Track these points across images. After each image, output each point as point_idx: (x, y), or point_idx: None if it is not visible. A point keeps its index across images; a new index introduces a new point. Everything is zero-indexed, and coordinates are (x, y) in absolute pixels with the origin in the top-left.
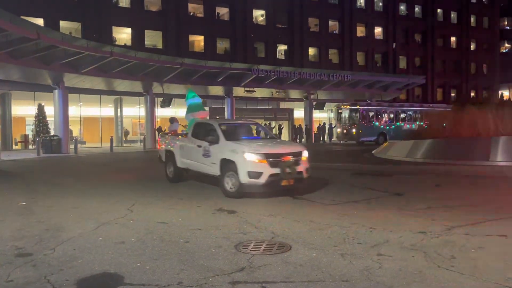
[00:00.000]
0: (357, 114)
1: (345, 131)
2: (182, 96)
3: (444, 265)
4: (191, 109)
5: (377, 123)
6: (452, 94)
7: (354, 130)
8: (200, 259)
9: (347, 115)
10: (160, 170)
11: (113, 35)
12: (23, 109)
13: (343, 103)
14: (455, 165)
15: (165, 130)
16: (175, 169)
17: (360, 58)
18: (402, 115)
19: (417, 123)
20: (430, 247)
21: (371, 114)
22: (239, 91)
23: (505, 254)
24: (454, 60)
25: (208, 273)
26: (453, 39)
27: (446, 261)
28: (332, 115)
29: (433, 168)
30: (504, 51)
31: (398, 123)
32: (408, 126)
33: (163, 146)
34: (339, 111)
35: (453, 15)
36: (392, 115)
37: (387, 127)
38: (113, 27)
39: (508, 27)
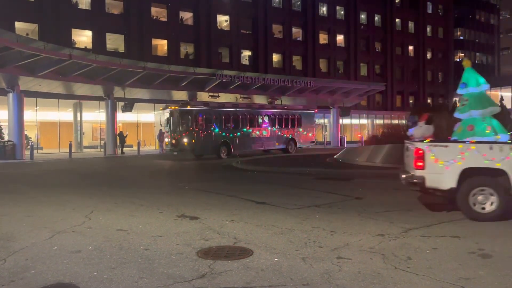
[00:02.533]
0: (191, 118)
1: (173, 141)
2: (144, 101)
3: (401, 266)
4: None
5: (217, 130)
6: (410, 101)
7: (186, 140)
8: (160, 266)
9: (177, 120)
10: (119, 174)
11: (72, 38)
12: None
13: (172, 104)
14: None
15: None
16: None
17: (322, 65)
18: (253, 119)
19: (271, 129)
20: (387, 249)
21: (209, 118)
22: (203, 96)
23: (458, 255)
24: (412, 68)
25: (168, 281)
26: (410, 47)
27: (403, 263)
28: (159, 118)
29: (392, 172)
30: (458, 60)
31: (245, 129)
32: (258, 133)
33: (453, 162)
34: (166, 113)
35: (411, 24)
36: (239, 119)
37: (231, 135)
38: (73, 30)
39: (461, 37)
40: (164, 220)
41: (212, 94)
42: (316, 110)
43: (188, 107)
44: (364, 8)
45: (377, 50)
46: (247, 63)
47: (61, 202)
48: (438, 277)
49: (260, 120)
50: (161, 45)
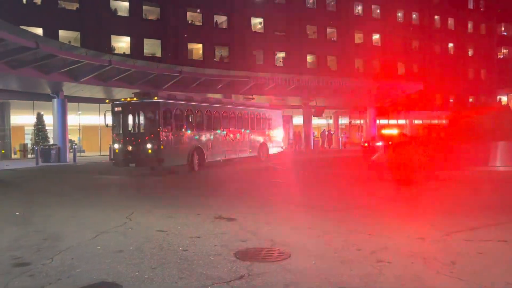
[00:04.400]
0: (158, 115)
1: (129, 147)
2: None
3: (443, 271)
4: None
5: (189, 131)
6: (451, 100)
7: (150, 146)
8: (199, 267)
9: (134, 117)
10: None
11: (112, 44)
12: (22, 119)
13: (127, 97)
14: (452, 171)
15: None
16: None
17: (358, 64)
18: (227, 118)
19: (245, 131)
20: (429, 253)
21: (179, 114)
22: (238, 98)
23: (505, 259)
24: (452, 66)
25: (207, 281)
26: (450, 45)
27: (445, 267)
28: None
29: (431, 173)
30: (502, 57)
31: (219, 131)
32: (232, 136)
33: None
34: (117, 108)
35: (450, 21)
36: (212, 118)
37: (204, 138)
38: (112, 36)
39: (505, 33)
40: (202, 222)
41: (247, 96)
42: (282, 110)
43: (155, 98)
44: (400, 6)
45: (414, 48)
46: (281, 64)
47: (102, 203)
48: (484, 282)
49: (234, 120)
50: (197, 49)
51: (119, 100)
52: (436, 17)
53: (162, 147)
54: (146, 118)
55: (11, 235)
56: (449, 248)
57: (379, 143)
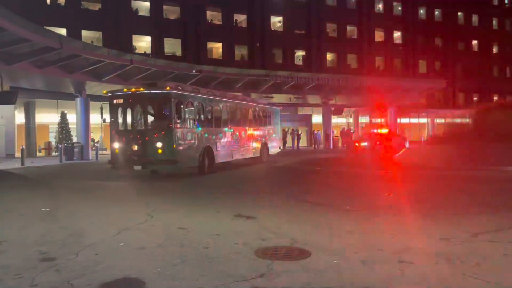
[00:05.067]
0: (171, 108)
1: (135, 147)
2: None
3: (469, 273)
4: None
5: (200, 128)
6: (474, 98)
7: (161, 145)
8: (220, 265)
9: (142, 110)
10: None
11: (133, 43)
12: (46, 117)
13: (130, 87)
14: (478, 170)
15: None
16: None
17: (379, 62)
18: (235, 114)
19: (249, 129)
20: (453, 254)
21: (193, 109)
22: (257, 97)
23: None
24: (476, 64)
25: (228, 279)
26: (474, 42)
27: (471, 269)
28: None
29: (456, 173)
30: None
31: (226, 129)
32: (238, 134)
33: None
34: (117, 100)
35: (474, 18)
36: (221, 114)
37: (213, 137)
38: (133, 36)
39: None
40: (222, 219)
41: (266, 95)
42: (281, 107)
43: (167, 88)
44: (423, 2)
45: (437, 46)
46: (300, 63)
47: (125, 200)
48: (511, 285)
49: (240, 116)
50: (216, 48)
51: (120, 90)
52: (459, 13)
53: (175, 146)
54: (155, 112)
55: (38, 230)
56: (474, 250)
57: (364, 144)
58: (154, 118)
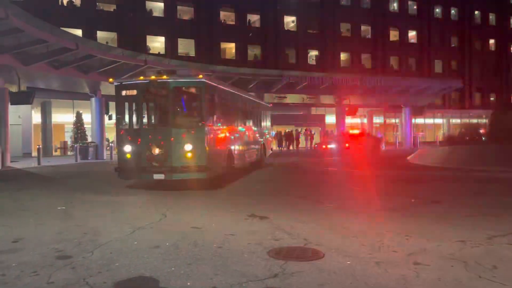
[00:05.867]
0: (202, 101)
1: (155, 149)
2: None
3: (486, 276)
4: None
5: (225, 126)
6: (492, 98)
7: (191, 148)
8: (233, 264)
9: (164, 104)
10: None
11: (147, 44)
12: (62, 117)
13: (149, 74)
14: (496, 172)
15: None
16: None
17: (393, 62)
18: (246, 113)
19: (254, 129)
20: (470, 256)
21: (221, 103)
22: (270, 98)
23: None
24: (493, 63)
25: (242, 279)
26: (491, 41)
27: (488, 272)
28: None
29: (472, 174)
30: None
31: (241, 129)
32: (247, 135)
33: None
34: (127, 91)
35: (492, 17)
36: (240, 112)
37: (232, 137)
38: (147, 36)
39: None
40: (236, 219)
41: (279, 95)
42: (271, 104)
43: (200, 76)
44: (438, 1)
45: (453, 45)
46: (314, 63)
47: (139, 200)
48: None
49: (247, 115)
50: (229, 48)
51: (131, 79)
52: (476, 12)
53: (207, 148)
54: (183, 106)
55: (54, 228)
56: (491, 252)
57: (332, 145)
58: (181, 113)
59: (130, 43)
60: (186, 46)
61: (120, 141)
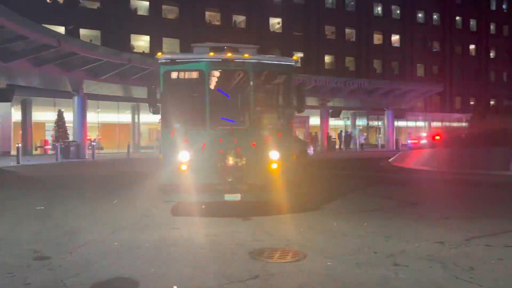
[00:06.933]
0: (291, 90)
1: (230, 159)
2: None
3: (463, 277)
4: None
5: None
6: (471, 103)
7: (279, 155)
8: (215, 265)
9: (243, 93)
10: None
11: (131, 43)
12: (43, 115)
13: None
14: (472, 175)
15: None
16: None
17: (377, 65)
18: None
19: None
20: (448, 257)
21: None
22: None
23: None
24: (473, 68)
25: (223, 280)
26: (472, 47)
27: (465, 273)
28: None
29: (452, 177)
30: None
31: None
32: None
33: None
34: (182, 74)
35: (472, 22)
36: None
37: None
38: (132, 35)
39: None
40: (217, 220)
41: None
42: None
43: (295, 58)
44: (421, 6)
45: (435, 49)
46: (298, 65)
47: (121, 199)
48: None
49: None
50: None
51: (188, 56)
52: (457, 18)
53: (295, 157)
54: (268, 98)
55: (32, 228)
56: (469, 253)
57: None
58: (265, 108)
59: (114, 42)
60: (171, 46)
61: (169, 146)
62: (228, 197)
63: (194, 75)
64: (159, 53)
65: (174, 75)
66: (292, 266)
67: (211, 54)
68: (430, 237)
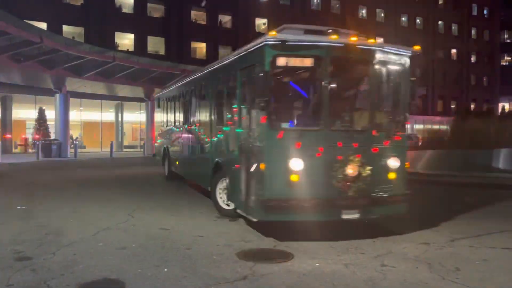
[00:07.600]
0: (407, 85)
1: (352, 169)
2: None
3: (449, 277)
4: None
5: None
6: (453, 106)
7: (399, 165)
8: (202, 266)
9: (372, 84)
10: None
11: (116, 41)
12: (24, 113)
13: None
14: (457, 176)
15: None
16: None
17: None
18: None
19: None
20: (434, 258)
21: None
22: None
23: (510, 267)
24: (455, 72)
25: (211, 281)
26: (453, 51)
27: (451, 273)
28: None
29: (435, 179)
30: (505, 64)
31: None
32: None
33: None
34: (289, 60)
35: (454, 27)
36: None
37: None
38: (116, 33)
39: (508, 40)
40: (205, 221)
41: None
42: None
43: (417, 48)
44: (405, 10)
45: (418, 53)
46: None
47: (105, 199)
48: None
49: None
50: (200, 48)
51: (300, 37)
52: (440, 22)
53: (408, 165)
54: (389, 95)
55: (13, 229)
56: (454, 254)
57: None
58: (386, 106)
59: (98, 39)
60: (156, 44)
61: (274, 151)
62: (346, 215)
63: (308, 61)
64: (273, 32)
65: (282, 61)
66: (280, 267)
67: (334, 37)
68: (416, 238)
